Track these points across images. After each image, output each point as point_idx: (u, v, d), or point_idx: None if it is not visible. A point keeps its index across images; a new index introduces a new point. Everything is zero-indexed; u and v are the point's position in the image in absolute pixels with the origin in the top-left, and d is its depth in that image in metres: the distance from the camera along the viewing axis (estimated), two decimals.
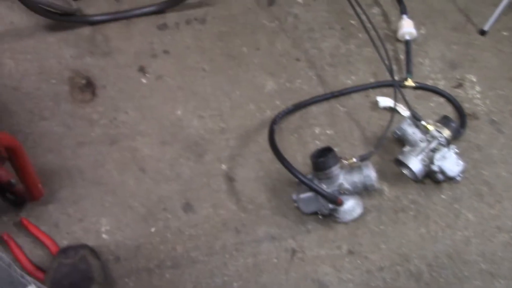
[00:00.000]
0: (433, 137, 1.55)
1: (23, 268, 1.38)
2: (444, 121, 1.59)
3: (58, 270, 1.33)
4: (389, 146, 1.66)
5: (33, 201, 1.46)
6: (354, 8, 1.79)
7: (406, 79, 1.79)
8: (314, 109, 1.73)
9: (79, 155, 1.58)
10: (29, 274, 1.37)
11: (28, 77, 1.70)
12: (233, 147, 1.63)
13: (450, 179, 1.54)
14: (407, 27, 1.88)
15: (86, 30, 1.82)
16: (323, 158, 1.42)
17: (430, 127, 1.56)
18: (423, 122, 1.58)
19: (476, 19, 1.99)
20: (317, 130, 1.69)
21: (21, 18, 1.82)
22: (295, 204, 1.49)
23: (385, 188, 1.60)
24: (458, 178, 1.53)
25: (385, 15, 1.99)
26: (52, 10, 1.73)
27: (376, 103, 1.75)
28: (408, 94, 1.77)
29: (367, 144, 1.67)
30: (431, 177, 1.59)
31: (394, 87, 1.66)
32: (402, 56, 1.87)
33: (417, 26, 1.93)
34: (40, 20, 1.80)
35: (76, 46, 1.78)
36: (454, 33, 1.95)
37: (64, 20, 1.80)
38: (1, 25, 1.80)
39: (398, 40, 1.91)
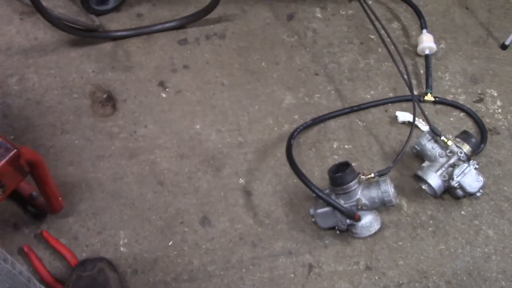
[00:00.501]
0: (453, 153, 1.53)
1: (42, 280, 1.40)
2: (464, 136, 1.57)
3: (76, 283, 1.34)
4: (408, 161, 1.65)
5: (53, 213, 1.49)
6: (373, 23, 1.79)
7: (425, 94, 1.78)
8: (332, 123, 1.73)
9: (99, 168, 1.60)
10: (49, 286, 1.39)
11: (51, 91, 1.74)
12: (251, 161, 1.64)
13: (470, 195, 1.52)
14: (427, 42, 1.87)
15: (108, 46, 1.86)
16: (341, 173, 1.41)
17: (450, 142, 1.55)
18: (442, 137, 1.56)
19: (498, 33, 1.98)
20: (335, 145, 1.69)
21: (45, 34, 1.86)
22: (312, 219, 1.49)
23: (404, 203, 1.58)
24: (478, 194, 1.51)
25: (404, 29, 1.99)
26: (75, 26, 1.76)
27: (395, 118, 1.74)
28: (428, 109, 1.76)
29: (385, 159, 1.66)
30: (451, 193, 1.57)
31: (413, 101, 1.65)
32: (422, 71, 1.86)
33: (438, 40, 1.92)
34: (63, 36, 1.84)
35: (98, 61, 1.81)
36: (475, 47, 1.94)
37: (86, 36, 1.83)
38: (26, 40, 1.85)
39: (418, 55, 1.91)
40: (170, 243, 1.49)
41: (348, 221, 1.43)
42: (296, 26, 1.97)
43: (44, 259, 1.45)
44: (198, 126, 1.70)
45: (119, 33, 1.88)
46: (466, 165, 1.50)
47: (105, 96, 1.74)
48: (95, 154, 1.63)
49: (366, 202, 1.43)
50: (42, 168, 1.28)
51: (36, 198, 1.46)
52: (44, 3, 1.57)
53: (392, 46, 1.75)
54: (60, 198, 1.42)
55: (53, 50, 1.83)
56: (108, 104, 1.72)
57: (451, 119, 1.75)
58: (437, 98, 1.77)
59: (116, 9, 1.95)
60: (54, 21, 1.67)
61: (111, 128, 1.68)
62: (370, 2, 2.03)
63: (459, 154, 1.52)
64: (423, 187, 1.58)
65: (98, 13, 1.91)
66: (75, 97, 1.73)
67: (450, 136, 1.58)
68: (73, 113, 1.70)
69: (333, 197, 1.44)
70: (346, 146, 1.68)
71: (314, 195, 1.43)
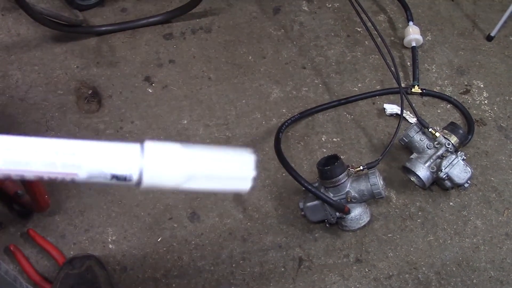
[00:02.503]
0: (441, 144, 1.53)
1: (30, 279, 1.38)
2: (452, 127, 1.58)
3: (64, 281, 1.32)
4: (396, 154, 1.65)
5: (39, 212, 1.47)
6: (360, 15, 1.79)
7: (413, 86, 1.78)
8: (320, 117, 1.73)
9: None
10: (36, 285, 1.38)
11: (35, 88, 1.71)
12: None
13: (458, 186, 1.53)
14: (413, 34, 1.87)
15: (92, 41, 1.83)
16: (330, 167, 1.41)
17: (438, 134, 1.55)
18: (430, 129, 1.57)
19: (483, 25, 1.98)
20: (323, 138, 1.68)
21: (28, 29, 1.84)
22: (302, 213, 1.48)
23: (393, 195, 1.59)
24: (466, 185, 1.51)
25: (391, 22, 1.99)
26: (58, 21, 1.74)
27: (383, 110, 1.74)
28: (415, 101, 1.76)
29: (374, 152, 1.66)
30: (439, 184, 1.58)
31: (401, 94, 1.65)
32: (408, 63, 1.86)
33: (424, 32, 1.93)
34: (46, 31, 1.82)
35: (82, 57, 1.79)
36: (461, 39, 1.95)
37: (70, 31, 1.81)
38: (8, 36, 1.82)
39: (404, 47, 1.91)
40: (159, 239, 1.48)
41: (337, 214, 1.43)
42: (283, 19, 1.96)
43: (31, 258, 1.43)
44: (185, 121, 1.69)
45: (103, 28, 1.86)
46: (454, 156, 1.50)
47: (90, 92, 1.71)
48: None
49: (356, 194, 1.43)
50: None
51: (22, 196, 1.43)
52: None
53: (379, 39, 1.75)
54: (46, 196, 1.40)
55: (36, 46, 1.80)
56: (93, 100, 1.70)
57: (439, 110, 1.76)
58: (424, 90, 1.77)
59: (100, 3, 1.93)
60: (37, 16, 1.64)
61: (97, 125, 1.66)
62: None
63: (447, 146, 1.53)
64: (412, 179, 1.59)
65: (82, 8, 1.88)
66: (60, 94, 1.71)
67: (438, 128, 1.58)
68: (58, 110, 1.68)
69: (322, 190, 1.44)
70: (334, 139, 1.68)
71: (303, 188, 1.42)
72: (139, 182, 0.56)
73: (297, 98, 1.76)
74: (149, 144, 0.57)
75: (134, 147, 0.57)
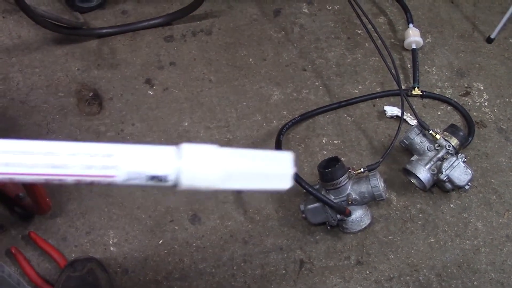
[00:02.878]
0: (441, 146, 1.54)
1: (31, 281, 1.38)
2: (452, 129, 1.58)
3: (66, 284, 1.33)
4: (397, 156, 1.65)
5: (41, 214, 1.47)
6: (360, 17, 1.79)
7: (413, 88, 1.78)
8: (321, 119, 1.73)
9: None
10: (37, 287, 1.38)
11: (36, 90, 1.71)
12: None
13: (458, 188, 1.53)
14: (413, 36, 1.88)
15: (93, 43, 1.84)
16: (331, 169, 1.41)
17: (438, 136, 1.55)
18: (430, 131, 1.57)
19: (483, 27, 1.99)
20: (324, 140, 1.69)
21: (28, 32, 1.84)
22: (303, 215, 1.48)
23: (393, 197, 1.59)
24: (467, 187, 1.52)
25: (391, 24, 1.99)
26: (59, 24, 1.74)
27: (383, 112, 1.75)
28: (416, 103, 1.77)
29: (374, 154, 1.66)
30: (440, 186, 1.58)
31: (401, 96, 1.65)
32: (409, 65, 1.87)
33: (424, 34, 1.93)
34: (47, 33, 1.82)
35: (83, 59, 1.79)
36: (461, 41, 1.95)
37: (71, 33, 1.81)
38: (9, 39, 1.82)
39: (404, 49, 1.91)
40: (160, 241, 1.48)
41: (338, 216, 1.43)
42: (283, 21, 1.97)
43: (33, 260, 1.43)
44: (186, 124, 1.69)
45: (104, 30, 1.86)
46: (454, 158, 1.50)
47: (91, 94, 1.72)
48: None
49: (356, 197, 1.43)
50: None
51: (23, 199, 1.44)
52: (27, 1, 1.55)
53: (379, 41, 1.75)
54: (47, 199, 1.41)
55: (37, 49, 1.81)
56: (94, 102, 1.70)
57: (439, 112, 1.76)
58: (424, 92, 1.78)
59: (100, 6, 1.93)
60: (38, 19, 1.64)
61: (98, 127, 1.66)
62: None
63: (448, 148, 1.53)
64: (412, 181, 1.59)
65: (82, 10, 1.89)
66: (61, 96, 1.71)
67: (438, 130, 1.58)
68: (59, 112, 1.68)
69: (323, 192, 1.44)
70: (335, 141, 1.68)
71: (304, 191, 1.42)
72: (175, 183, 0.56)
73: (297, 100, 1.77)
74: (186, 145, 0.57)
75: (169, 148, 0.56)
